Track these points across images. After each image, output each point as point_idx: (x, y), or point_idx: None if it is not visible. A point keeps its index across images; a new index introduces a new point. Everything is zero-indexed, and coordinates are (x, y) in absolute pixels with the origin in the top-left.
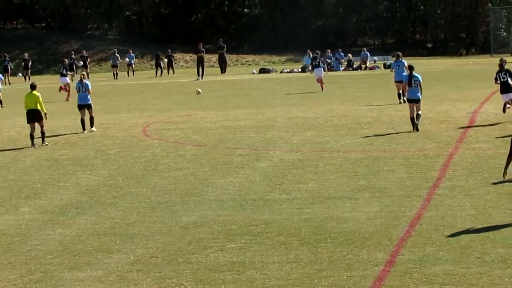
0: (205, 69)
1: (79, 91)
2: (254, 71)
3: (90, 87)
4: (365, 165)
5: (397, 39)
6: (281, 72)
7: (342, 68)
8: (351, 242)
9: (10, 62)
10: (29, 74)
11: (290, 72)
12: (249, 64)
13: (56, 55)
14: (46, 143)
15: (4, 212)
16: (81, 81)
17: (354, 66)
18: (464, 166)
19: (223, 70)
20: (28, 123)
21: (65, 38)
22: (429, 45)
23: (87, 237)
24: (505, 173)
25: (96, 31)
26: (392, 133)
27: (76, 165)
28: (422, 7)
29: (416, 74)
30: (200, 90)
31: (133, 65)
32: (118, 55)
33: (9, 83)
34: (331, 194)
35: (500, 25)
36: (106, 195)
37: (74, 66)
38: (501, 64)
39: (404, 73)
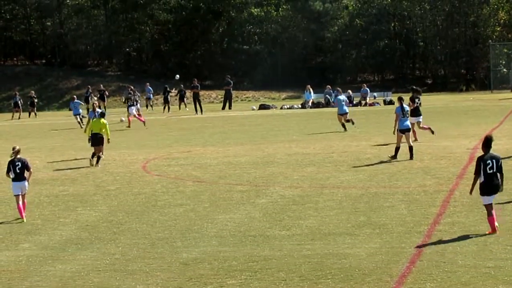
0: (204, 105)
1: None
2: (254, 107)
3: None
4: (365, 201)
5: (397, 75)
6: (281, 108)
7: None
8: (352, 279)
9: (21, 99)
10: (35, 111)
11: (290, 108)
12: (249, 100)
13: (56, 92)
14: (99, 165)
15: (5, 248)
16: (93, 110)
17: (354, 102)
18: (465, 202)
19: (230, 106)
20: (91, 146)
21: (65, 74)
22: (429, 81)
23: (87, 273)
24: (471, 192)
25: (96, 67)
26: (392, 169)
27: (76, 201)
28: (421, 43)
29: (405, 105)
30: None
31: (151, 100)
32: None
33: (19, 118)
34: (331, 230)
35: (501, 61)
36: (106, 231)
37: (90, 99)
38: None
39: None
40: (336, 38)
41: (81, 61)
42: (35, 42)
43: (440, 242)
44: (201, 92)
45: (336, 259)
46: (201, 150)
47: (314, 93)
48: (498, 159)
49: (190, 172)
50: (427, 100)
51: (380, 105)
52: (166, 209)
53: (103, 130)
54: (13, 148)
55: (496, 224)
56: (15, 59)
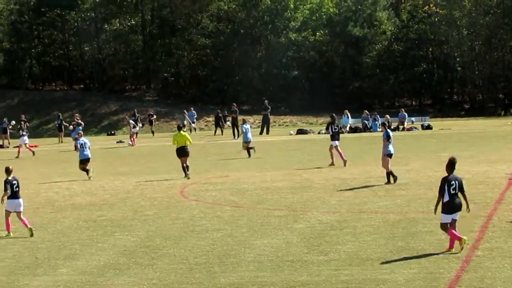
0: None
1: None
2: (292, 132)
3: None
4: (403, 226)
5: (435, 100)
6: (319, 133)
7: (380, 129)
8: None
9: (63, 122)
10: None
11: (326, 133)
12: (287, 125)
13: (94, 117)
14: (189, 177)
15: (43, 273)
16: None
17: (392, 127)
18: (503, 227)
19: (267, 131)
20: (178, 157)
21: (103, 99)
22: (467, 106)
23: None
24: (435, 211)
25: (134, 92)
26: (429, 195)
27: (114, 226)
28: (459, 68)
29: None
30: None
31: (195, 123)
32: (185, 115)
33: (61, 142)
34: (369, 256)
35: None
36: (144, 256)
37: (138, 122)
38: None
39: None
40: (374, 63)
41: (119, 86)
42: (74, 67)
43: (478, 267)
44: (239, 117)
45: (374, 284)
46: (239, 175)
47: (352, 118)
48: (460, 180)
49: (228, 197)
50: (465, 125)
51: (418, 130)
52: (204, 234)
53: (187, 142)
54: (7, 168)
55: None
56: (53, 84)
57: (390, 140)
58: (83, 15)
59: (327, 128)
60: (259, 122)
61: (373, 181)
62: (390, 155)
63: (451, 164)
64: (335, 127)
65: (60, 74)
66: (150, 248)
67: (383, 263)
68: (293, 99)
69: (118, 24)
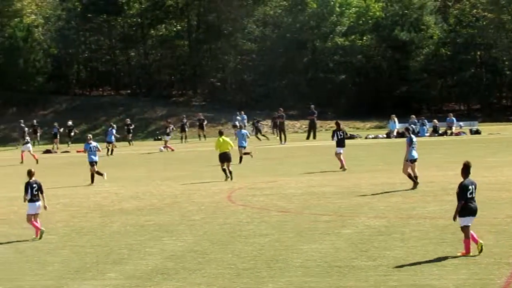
0: (289, 135)
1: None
2: None
3: None
4: (452, 232)
5: (483, 104)
6: (366, 137)
7: (428, 133)
8: None
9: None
10: (131, 139)
11: (374, 138)
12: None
13: (141, 122)
14: (232, 177)
15: (91, 278)
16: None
17: (440, 131)
18: None
19: (314, 136)
20: (221, 162)
21: (150, 104)
22: None
23: None
24: (454, 218)
25: (181, 97)
26: (478, 199)
27: (161, 231)
28: (508, 72)
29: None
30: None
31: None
32: (239, 117)
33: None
34: (418, 261)
35: None
36: (191, 261)
37: (186, 128)
38: None
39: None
40: (421, 67)
41: (166, 91)
42: (120, 72)
43: None
44: (286, 122)
45: None
46: (286, 180)
47: (399, 122)
48: (476, 184)
49: (275, 202)
50: None
51: (466, 134)
52: (251, 239)
53: (229, 147)
54: (29, 171)
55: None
56: (100, 89)
57: (413, 146)
58: (129, 21)
59: (332, 135)
60: (305, 127)
61: (422, 186)
62: (413, 161)
63: (466, 169)
64: (340, 134)
65: (107, 80)
66: (198, 253)
67: (432, 268)
68: (339, 103)
69: (164, 30)
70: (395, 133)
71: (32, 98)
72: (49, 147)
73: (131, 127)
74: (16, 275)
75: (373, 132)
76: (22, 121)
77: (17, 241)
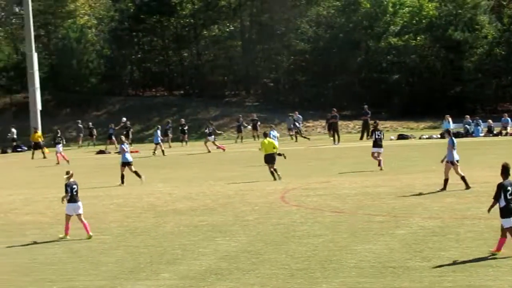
0: (342, 135)
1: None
2: (392, 137)
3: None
4: None
5: None
6: (420, 138)
7: (482, 134)
8: None
9: (171, 128)
10: (186, 139)
11: (428, 138)
12: (387, 130)
13: (194, 122)
14: (280, 176)
15: (145, 278)
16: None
17: (494, 132)
18: None
19: (368, 136)
20: (266, 163)
21: (203, 105)
22: None
23: None
24: (489, 210)
25: (234, 98)
26: None
27: (215, 231)
28: None
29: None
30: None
31: (299, 128)
32: (294, 118)
33: (170, 147)
34: (473, 262)
35: None
36: (245, 261)
37: (242, 128)
38: None
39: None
40: (475, 68)
41: (219, 91)
42: (173, 73)
43: None
44: (339, 122)
45: None
46: (339, 180)
47: (453, 123)
48: None
49: (329, 203)
50: None
51: None
52: (305, 239)
53: (275, 149)
54: (67, 172)
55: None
56: (153, 90)
57: (454, 147)
58: (182, 21)
59: (371, 135)
60: (359, 128)
61: (476, 186)
62: (454, 162)
63: (505, 170)
64: (378, 134)
65: (160, 80)
66: (251, 253)
67: (487, 269)
68: (393, 104)
69: (217, 30)
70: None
71: (86, 99)
72: (104, 147)
73: (185, 127)
74: (70, 275)
75: (427, 133)
76: (79, 121)
77: (71, 242)
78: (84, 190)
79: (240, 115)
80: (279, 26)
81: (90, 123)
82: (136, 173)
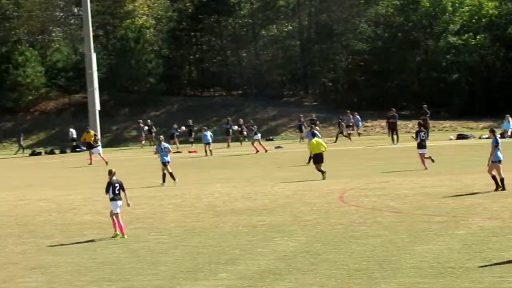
0: (401, 135)
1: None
2: (452, 137)
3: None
4: None
5: None
6: (479, 138)
7: None
8: None
9: (232, 126)
10: (244, 139)
11: (488, 138)
12: (446, 130)
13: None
14: (325, 176)
15: (203, 278)
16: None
17: None
18: None
19: (427, 136)
20: (314, 163)
21: (261, 105)
22: None
23: None
24: None
25: (292, 97)
26: None
27: (273, 231)
28: None
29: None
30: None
31: (359, 128)
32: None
33: (229, 146)
34: None
35: None
36: (303, 261)
37: (303, 127)
38: None
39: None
40: None
41: (277, 91)
42: (232, 73)
43: None
44: (398, 122)
45: None
46: (398, 180)
47: None
48: None
49: (387, 203)
50: None
51: None
52: (364, 239)
53: (323, 149)
54: (110, 171)
55: None
56: (211, 90)
57: (498, 147)
58: (240, 21)
59: (416, 136)
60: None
61: None
62: (499, 162)
63: None
64: (422, 136)
65: (219, 80)
66: (310, 254)
67: None
68: (452, 103)
69: (275, 30)
70: (509, 133)
71: (144, 99)
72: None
73: (243, 128)
74: (129, 274)
75: (487, 132)
76: (141, 121)
77: (130, 241)
78: (142, 190)
79: (301, 115)
80: (337, 25)
81: (149, 121)
82: (171, 174)
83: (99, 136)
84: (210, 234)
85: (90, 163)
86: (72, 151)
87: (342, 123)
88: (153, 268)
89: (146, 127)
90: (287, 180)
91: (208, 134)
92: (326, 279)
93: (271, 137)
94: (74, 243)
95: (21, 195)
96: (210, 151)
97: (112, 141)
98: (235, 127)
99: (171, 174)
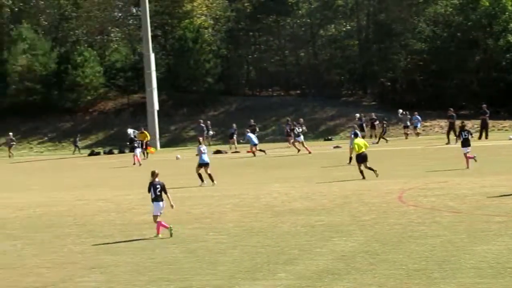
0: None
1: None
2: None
3: None
4: None
5: None
6: None
7: None
8: None
9: (290, 126)
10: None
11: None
12: (506, 130)
13: (311, 122)
14: (378, 174)
15: (262, 278)
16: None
17: None
18: None
19: (486, 136)
20: (358, 163)
21: (319, 105)
22: None
23: None
24: None
25: (350, 97)
26: None
27: (332, 231)
28: None
29: None
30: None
31: (417, 128)
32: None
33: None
34: None
35: None
36: (362, 261)
37: (364, 127)
38: None
39: None
40: None
41: (335, 91)
42: (290, 73)
43: None
44: (456, 122)
45: None
46: (457, 180)
47: None
48: None
49: (447, 203)
50: None
51: None
52: (423, 239)
53: (365, 148)
54: (153, 172)
55: None
56: (270, 90)
57: None
58: (298, 21)
59: (459, 135)
60: (477, 127)
61: None
62: None
63: None
64: (465, 134)
65: (277, 80)
66: (369, 254)
67: None
68: None
69: (333, 30)
70: None
71: (202, 99)
72: (222, 147)
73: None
74: (187, 274)
75: None
76: (201, 120)
77: (188, 241)
78: (200, 190)
79: (362, 114)
80: (396, 25)
81: (209, 122)
82: (210, 176)
83: (149, 138)
84: (269, 234)
85: (135, 164)
86: (130, 151)
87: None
88: (212, 268)
89: (206, 127)
90: (345, 180)
91: (253, 136)
92: (385, 279)
93: (329, 137)
94: (133, 243)
95: (80, 195)
96: (253, 152)
97: (171, 141)
98: (300, 129)
99: (210, 175)
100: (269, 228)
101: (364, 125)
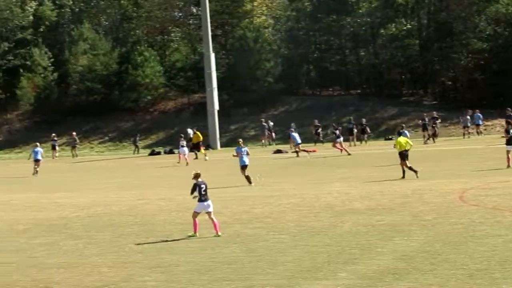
0: None
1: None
2: None
3: None
4: None
5: None
6: None
7: None
8: None
9: (354, 125)
10: (366, 139)
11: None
12: None
13: (372, 121)
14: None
15: (323, 277)
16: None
17: None
18: None
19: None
20: (401, 160)
21: (380, 104)
22: None
23: None
24: None
25: (411, 97)
26: None
27: (393, 231)
28: None
29: None
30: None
31: (479, 126)
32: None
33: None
34: None
35: None
36: (423, 261)
37: (427, 126)
38: None
39: None
40: None
41: (396, 90)
42: (350, 72)
43: None
44: None
45: None
46: None
47: None
48: None
49: (509, 202)
50: None
51: None
52: (484, 239)
53: (408, 147)
54: (197, 174)
55: None
56: (330, 89)
57: None
58: (358, 20)
59: (507, 132)
60: None
61: None
62: None
63: None
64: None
65: (337, 79)
66: (430, 253)
67: None
68: None
69: (394, 29)
70: None
71: (263, 99)
72: (281, 147)
73: (367, 127)
74: (248, 274)
75: None
76: (263, 120)
77: (249, 241)
78: (260, 190)
79: (425, 114)
80: (457, 24)
81: (270, 121)
82: (247, 177)
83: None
84: (329, 233)
85: (179, 162)
86: (190, 151)
87: (437, 126)
88: (272, 268)
89: (268, 127)
90: (406, 179)
91: (296, 135)
92: (446, 280)
93: (390, 137)
94: (193, 242)
95: (140, 195)
96: (297, 152)
97: (231, 141)
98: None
99: (247, 177)
100: (329, 228)
101: (427, 125)
